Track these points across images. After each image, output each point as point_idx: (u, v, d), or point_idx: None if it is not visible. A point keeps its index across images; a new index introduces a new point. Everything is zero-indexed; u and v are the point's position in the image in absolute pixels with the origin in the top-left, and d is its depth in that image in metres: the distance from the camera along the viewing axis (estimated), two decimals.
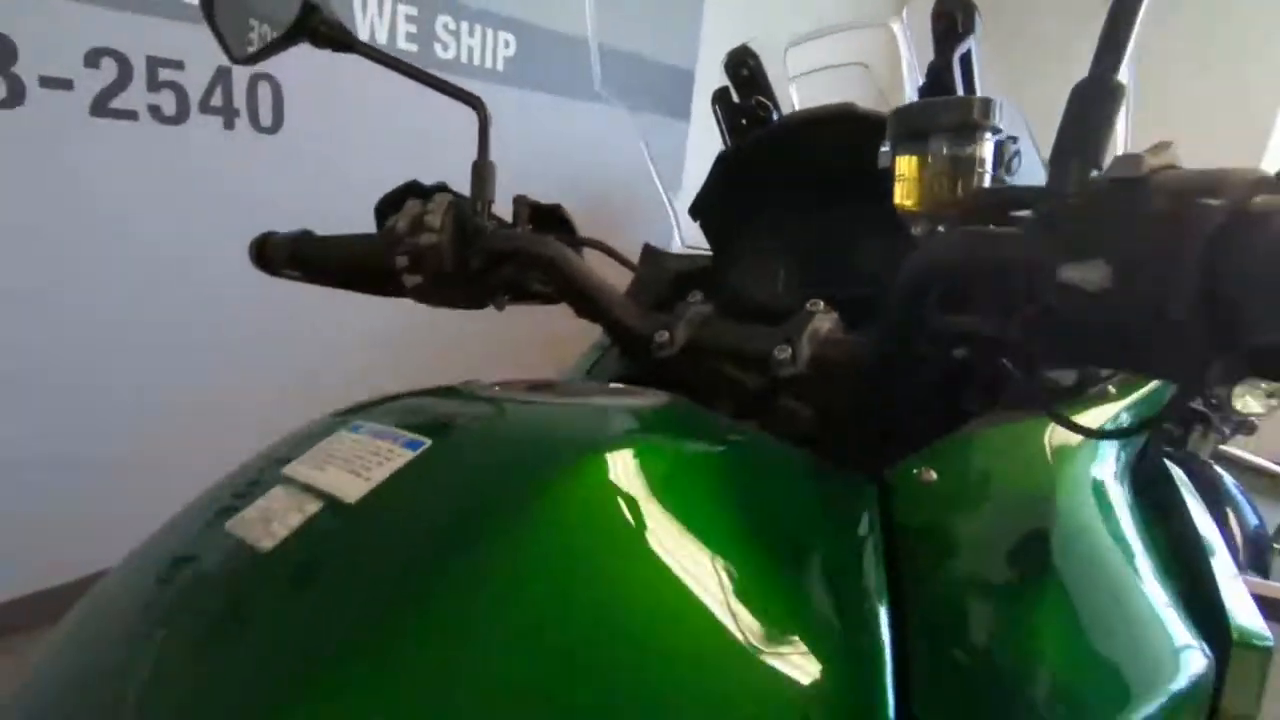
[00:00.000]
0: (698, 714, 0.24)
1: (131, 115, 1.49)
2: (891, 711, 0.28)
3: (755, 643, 0.26)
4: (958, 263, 0.33)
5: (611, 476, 0.29)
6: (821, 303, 0.47)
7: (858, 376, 0.43)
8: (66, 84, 1.40)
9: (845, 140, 0.57)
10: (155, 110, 1.52)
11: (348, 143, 1.77)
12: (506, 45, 2.18)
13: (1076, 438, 0.41)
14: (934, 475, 0.39)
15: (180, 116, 1.56)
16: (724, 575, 0.28)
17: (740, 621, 0.26)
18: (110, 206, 1.50)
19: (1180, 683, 0.32)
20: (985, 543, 0.36)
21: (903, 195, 0.41)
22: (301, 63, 1.68)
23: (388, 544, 0.26)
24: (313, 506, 0.27)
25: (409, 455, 0.29)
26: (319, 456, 0.30)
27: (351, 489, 0.27)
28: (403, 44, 1.89)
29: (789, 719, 0.26)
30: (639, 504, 0.28)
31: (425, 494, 0.28)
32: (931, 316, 0.38)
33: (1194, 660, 0.34)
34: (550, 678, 0.23)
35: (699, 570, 0.27)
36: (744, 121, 0.71)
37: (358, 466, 0.28)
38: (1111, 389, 0.46)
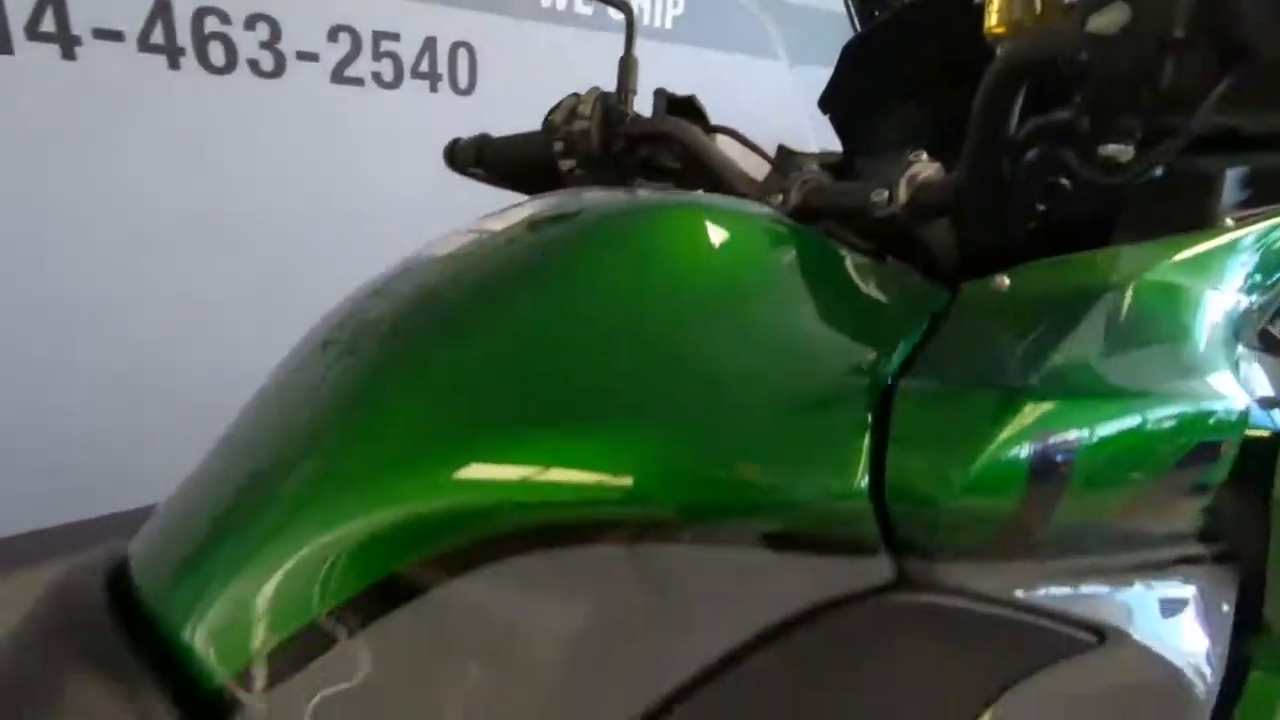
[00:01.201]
0: (696, 397, 0.31)
1: (359, 82, 1.78)
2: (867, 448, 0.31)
3: (764, 361, 0.32)
4: (1024, 60, 0.36)
5: (691, 221, 0.37)
6: (924, 153, 0.50)
7: (951, 209, 0.46)
8: (314, 57, 1.70)
9: (971, 17, 0.58)
10: (377, 77, 1.80)
11: (528, 100, 1.95)
12: (675, 4, 2.26)
13: (1179, 275, 0.42)
14: (1007, 283, 0.42)
15: (396, 81, 1.83)
16: (762, 314, 0.34)
17: (754, 345, 0.33)
18: (347, 158, 1.81)
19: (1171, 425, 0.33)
20: (1021, 337, 0.37)
21: (991, 22, 0.44)
22: (492, 33, 1.89)
23: (513, 254, 0.36)
24: (470, 237, 0.38)
25: (536, 213, 0.39)
26: (481, 220, 0.41)
27: (497, 226, 0.38)
28: (580, 8, 2.05)
29: (777, 424, 0.31)
30: (709, 249, 0.36)
31: (545, 226, 0.38)
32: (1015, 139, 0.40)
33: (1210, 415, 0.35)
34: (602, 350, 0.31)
35: (740, 304, 0.34)
36: (875, 13, 0.73)
37: (498, 220, 0.39)
38: (1230, 222, 0.45)
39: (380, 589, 0.27)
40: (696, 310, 0.33)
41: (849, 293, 0.40)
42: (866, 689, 0.34)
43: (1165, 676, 0.37)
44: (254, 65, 1.63)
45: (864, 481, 0.30)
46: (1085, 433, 0.32)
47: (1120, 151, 0.35)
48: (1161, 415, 0.34)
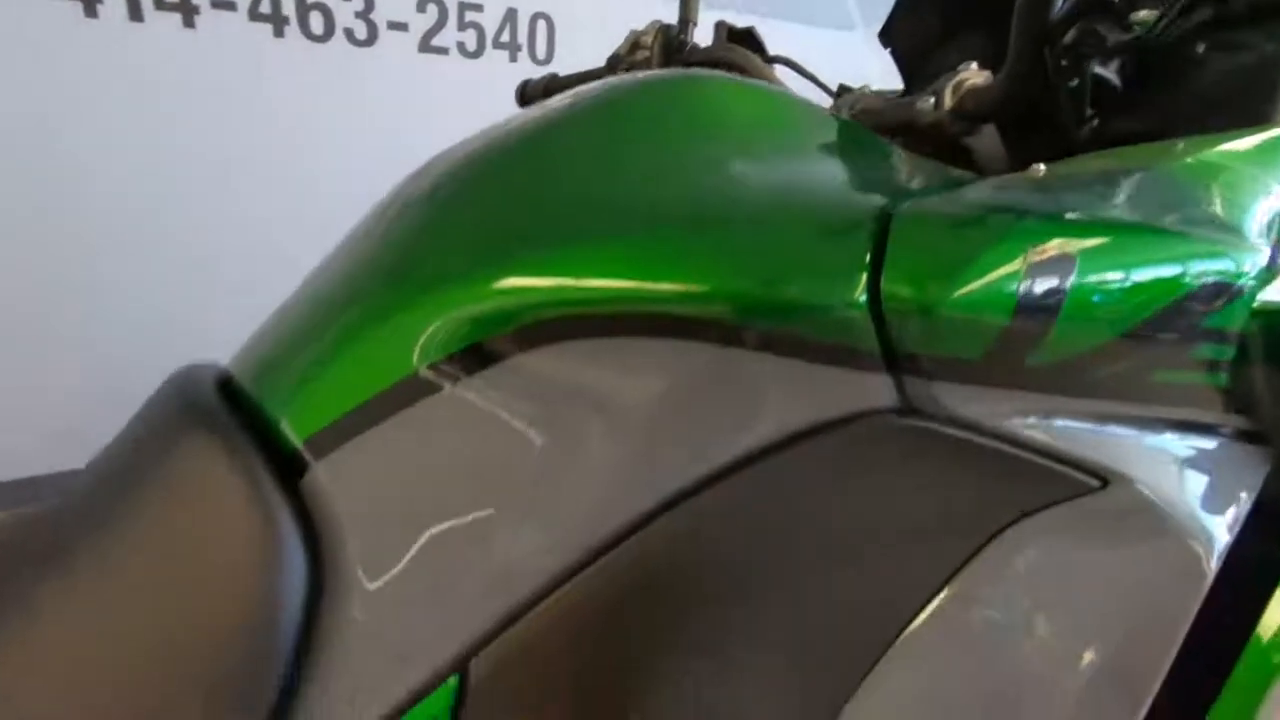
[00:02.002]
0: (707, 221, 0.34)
1: (444, 51, 1.87)
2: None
3: (780, 192, 0.35)
4: None
5: (731, 85, 0.41)
6: (974, 64, 0.51)
7: (997, 112, 0.47)
8: (404, 27, 1.80)
9: None
10: (461, 46, 1.88)
11: None
12: None
13: (1225, 160, 0.41)
14: (1042, 169, 0.42)
15: (478, 51, 1.91)
16: (783, 156, 0.37)
17: (770, 178, 0.36)
18: (431, 123, 1.90)
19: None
20: (1039, 192, 0.37)
21: None
22: (571, 5, 1.94)
23: (565, 109, 0.41)
24: (524, 113, 0.43)
25: (581, 88, 0.44)
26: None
27: (556, 104, 0.42)
28: None
29: (775, 253, 0.33)
30: (746, 105, 0.40)
31: (588, 92, 0.42)
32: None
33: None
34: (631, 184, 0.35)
35: (762, 146, 0.37)
36: None
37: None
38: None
39: (444, 365, 0.32)
40: (724, 147, 0.37)
41: (874, 157, 0.42)
42: (867, 509, 0.36)
43: (1168, 532, 0.36)
44: (349, 34, 1.74)
45: (862, 296, 0.32)
46: (1085, 250, 0.32)
47: (1151, 16, 0.35)
48: (1171, 248, 0.33)
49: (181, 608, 0.33)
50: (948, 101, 0.48)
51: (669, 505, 0.33)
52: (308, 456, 0.34)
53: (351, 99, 1.78)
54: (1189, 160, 0.41)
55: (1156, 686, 0.37)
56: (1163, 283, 0.34)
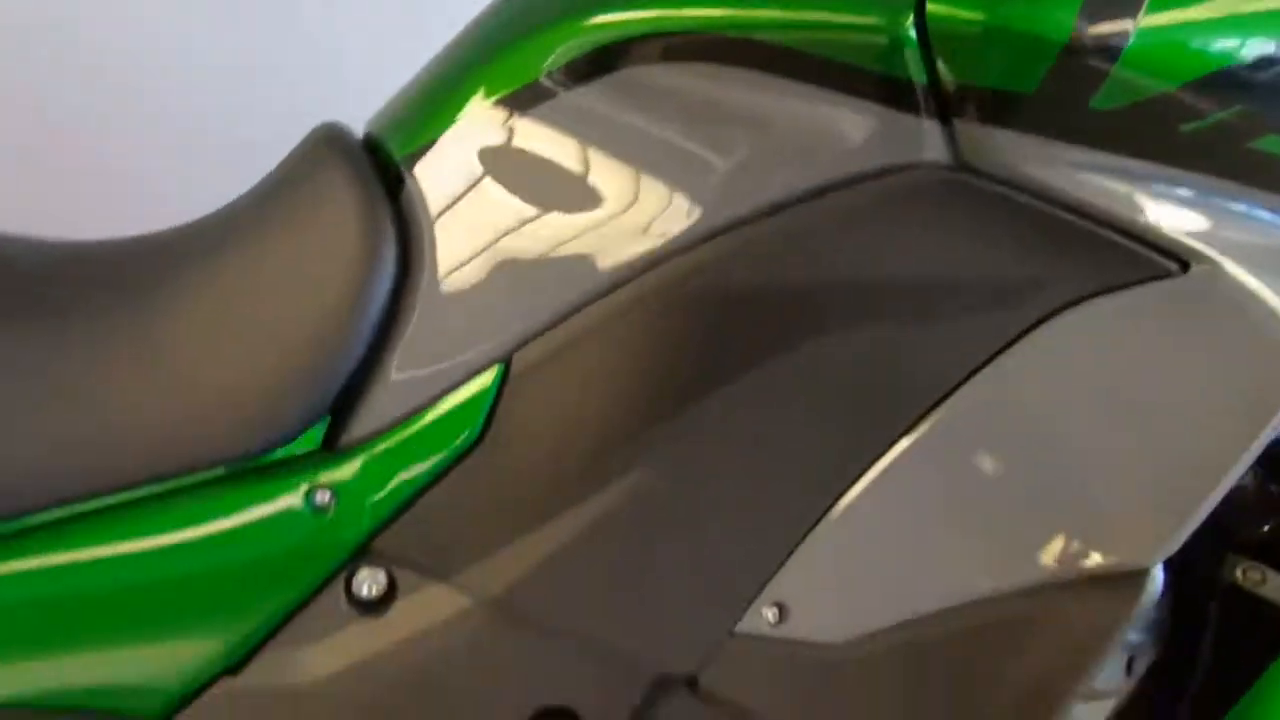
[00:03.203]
0: None
1: None
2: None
3: None
4: None
5: None
6: None
7: None
8: None
9: None
10: None
11: None
12: None
13: None
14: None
15: None
16: None
17: None
18: None
19: None
20: None
21: None
22: None
23: None
24: None
25: None
26: None
27: None
28: None
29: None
30: None
31: None
32: None
33: None
34: None
35: None
36: None
37: None
38: None
39: (559, 73, 0.35)
40: None
41: None
42: (910, 273, 0.34)
43: (1258, 325, 0.31)
44: None
45: (910, 22, 0.29)
46: None
47: None
48: None
49: (287, 289, 0.39)
50: None
51: (715, 234, 0.34)
52: (407, 169, 0.38)
53: None
54: None
55: (1221, 490, 0.32)
56: (1270, 13, 0.29)
